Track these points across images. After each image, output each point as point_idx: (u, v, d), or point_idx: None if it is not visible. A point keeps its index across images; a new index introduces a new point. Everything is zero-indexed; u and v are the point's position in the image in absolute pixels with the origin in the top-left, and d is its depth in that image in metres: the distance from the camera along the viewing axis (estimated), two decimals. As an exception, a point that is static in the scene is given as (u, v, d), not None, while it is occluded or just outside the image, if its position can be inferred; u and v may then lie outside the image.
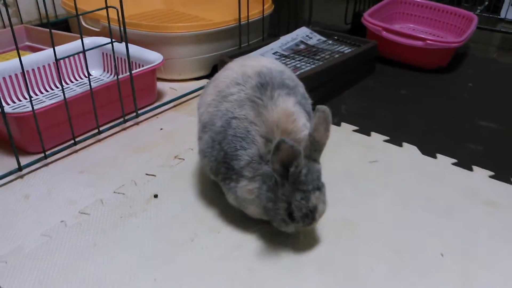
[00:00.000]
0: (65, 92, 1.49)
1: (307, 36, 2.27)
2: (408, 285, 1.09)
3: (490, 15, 3.01)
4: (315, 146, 1.07)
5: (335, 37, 2.31)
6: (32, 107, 1.41)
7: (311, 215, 1.06)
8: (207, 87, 1.30)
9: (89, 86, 1.54)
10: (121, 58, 1.91)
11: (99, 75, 2.05)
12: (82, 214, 1.29)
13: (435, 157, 1.59)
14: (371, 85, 2.14)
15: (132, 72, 1.66)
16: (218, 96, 1.19)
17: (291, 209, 1.06)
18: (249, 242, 1.19)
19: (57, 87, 1.90)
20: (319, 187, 1.07)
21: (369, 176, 1.47)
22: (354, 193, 1.39)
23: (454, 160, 1.57)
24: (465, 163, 1.55)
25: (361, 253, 1.18)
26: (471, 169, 1.53)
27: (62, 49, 1.81)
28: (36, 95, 1.85)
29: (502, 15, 3.06)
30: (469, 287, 1.08)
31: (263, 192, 1.09)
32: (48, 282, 1.08)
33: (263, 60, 1.28)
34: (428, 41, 2.18)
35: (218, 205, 1.31)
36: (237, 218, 1.26)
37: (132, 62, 1.84)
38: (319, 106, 1.08)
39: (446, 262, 1.16)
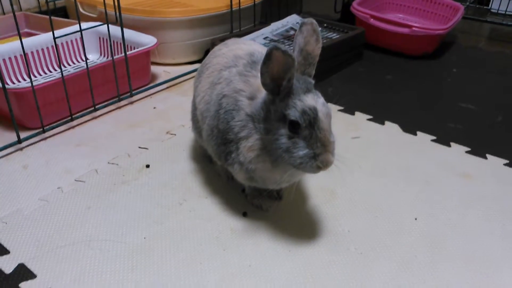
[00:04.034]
0: (63, 73, 1.56)
1: (297, 23, 2.35)
2: (382, 245, 1.16)
3: (478, 6, 3.09)
4: (309, 60, 1.04)
5: (324, 24, 2.39)
6: (31, 83, 1.49)
7: (313, 115, 0.97)
8: (201, 73, 1.32)
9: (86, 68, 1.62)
10: (117, 42, 1.99)
11: (96, 59, 2.13)
12: (78, 181, 1.36)
13: (415, 134, 1.66)
14: (358, 70, 2.22)
15: (127, 53, 1.73)
16: (211, 85, 1.22)
17: (288, 117, 0.99)
18: (234, 207, 1.27)
19: (55, 70, 1.98)
20: (312, 90, 1.02)
21: (351, 150, 1.55)
22: (335, 165, 1.46)
23: (433, 137, 1.65)
24: (443, 139, 1.63)
25: (338, 217, 1.25)
26: (449, 145, 1.60)
27: (61, 33, 1.88)
28: (35, 76, 1.93)
29: (493, 6, 3.15)
30: (438, 247, 1.16)
31: (262, 139, 1.06)
32: (45, 240, 1.16)
33: (254, 44, 1.33)
34: (414, 28, 2.26)
35: (206, 175, 1.39)
36: (223, 186, 1.34)
37: (127, 45, 1.91)
38: (304, 20, 1.05)
39: (418, 225, 1.23)
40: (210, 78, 1.23)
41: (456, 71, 2.25)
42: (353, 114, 1.78)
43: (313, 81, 1.05)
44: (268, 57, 0.95)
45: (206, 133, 1.21)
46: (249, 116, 1.09)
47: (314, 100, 1.00)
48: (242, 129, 1.10)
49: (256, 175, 1.13)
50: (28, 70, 1.50)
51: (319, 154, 0.99)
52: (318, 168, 1.00)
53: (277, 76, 0.98)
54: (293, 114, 0.98)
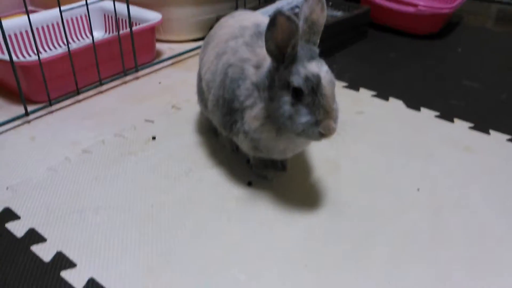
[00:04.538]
0: (69, 46, 1.57)
1: (302, 0, 2.34)
2: (383, 216, 1.18)
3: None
4: (313, 29, 1.04)
5: (330, 3, 2.38)
6: (38, 56, 1.50)
7: (316, 81, 0.98)
8: (207, 45, 1.33)
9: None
10: (122, 19, 1.99)
11: (101, 36, 2.13)
12: (85, 152, 1.38)
13: (419, 110, 1.67)
14: (362, 48, 2.22)
15: (132, 28, 1.74)
16: (217, 55, 1.23)
17: (291, 84, 1.00)
18: (239, 177, 1.29)
19: (60, 46, 1.98)
20: (316, 58, 1.02)
21: (355, 125, 1.56)
22: (339, 139, 1.47)
23: (437, 113, 1.65)
24: (447, 115, 1.64)
25: (341, 188, 1.27)
26: (452, 121, 1.61)
27: (67, 8, 1.90)
28: (40, 52, 1.93)
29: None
30: (440, 219, 1.18)
31: (266, 108, 1.07)
32: (54, 208, 1.18)
33: (260, 16, 1.33)
34: (419, 7, 2.25)
35: (211, 147, 1.41)
36: (228, 157, 1.36)
37: (132, 22, 1.92)
38: None
39: (420, 198, 1.25)
40: (216, 49, 1.24)
41: (461, 51, 2.24)
42: (357, 90, 1.79)
43: (317, 49, 1.06)
44: (272, 22, 0.95)
45: (212, 104, 1.22)
46: (255, 85, 1.09)
47: (317, 67, 0.99)
48: (247, 98, 1.10)
49: (261, 145, 1.14)
50: (35, 43, 1.51)
51: (322, 121, 0.99)
52: (321, 135, 1.01)
53: (281, 42, 0.98)
54: (296, 81, 0.99)
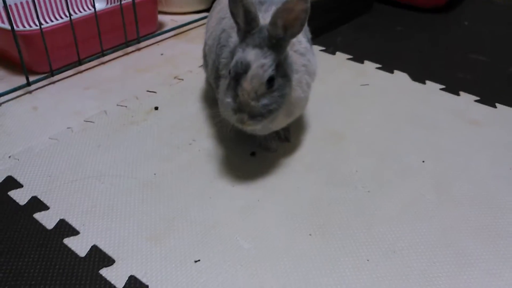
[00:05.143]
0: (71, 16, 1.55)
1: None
2: (389, 185, 1.17)
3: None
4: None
5: (334, -25, 2.34)
6: (40, 26, 1.48)
7: (242, 70, 0.97)
8: (213, 9, 1.33)
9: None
10: (123, -10, 1.96)
11: (103, 6, 2.10)
12: (87, 122, 1.37)
13: (424, 83, 1.65)
14: (367, 21, 2.19)
15: (134, -1, 1.72)
16: (219, 20, 1.22)
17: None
18: (243, 147, 1.28)
19: (62, 17, 1.96)
20: (263, 48, 0.99)
21: (360, 96, 1.54)
22: (343, 110, 1.47)
23: (442, 86, 1.64)
24: (452, 88, 1.62)
25: (346, 158, 1.26)
26: (458, 94, 1.59)
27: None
28: (42, 24, 1.91)
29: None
30: (445, 188, 1.17)
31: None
32: (57, 175, 1.18)
33: None
34: (426, -21, 2.22)
35: (215, 117, 1.40)
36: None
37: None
38: None
39: (426, 167, 1.24)
40: (219, 14, 1.23)
41: (467, 24, 2.21)
42: (362, 62, 1.77)
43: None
44: None
45: (209, 68, 1.23)
46: (231, 54, 1.07)
47: (253, 56, 0.97)
48: (223, 67, 1.10)
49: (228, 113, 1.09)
50: (37, 13, 1.49)
51: (238, 110, 0.99)
52: (237, 122, 1.01)
53: (235, 13, 0.99)
54: (233, 61, 0.99)
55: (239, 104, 0.98)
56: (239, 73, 0.97)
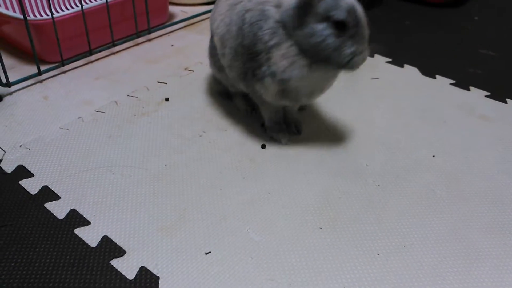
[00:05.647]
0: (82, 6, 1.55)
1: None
2: (399, 179, 1.17)
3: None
4: None
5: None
6: (52, 15, 1.48)
7: (357, 14, 1.04)
8: (218, 1, 1.31)
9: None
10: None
11: (113, -2, 2.10)
12: (98, 112, 1.38)
13: (434, 77, 1.65)
14: (377, 15, 2.18)
15: (145, -12, 1.71)
16: (231, 6, 1.21)
17: (333, 18, 1.03)
18: (253, 139, 1.28)
19: (73, 7, 1.95)
20: None
21: (370, 90, 1.54)
22: (354, 104, 1.47)
23: (453, 81, 1.63)
24: (463, 83, 1.62)
25: (356, 151, 1.26)
26: (468, 89, 1.59)
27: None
28: (53, 13, 1.90)
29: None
30: (455, 184, 1.17)
31: (298, 44, 1.07)
32: (68, 165, 1.18)
33: None
34: (437, -27, 2.20)
35: (225, 109, 1.40)
36: (242, 119, 1.35)
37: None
38: None
39: (436, 162, 1.24)
40: (229, 1, 1.22)
41: (477, 19, 2.20)
42: (372, 56, 1.76)
43: None
44: None
45: (229, 56, 1.19)
46: (279, 23, 1.08)
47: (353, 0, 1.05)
48: (272, 37, 1.09)
49: (290, 86, 1.12)
50: (49, 2, 1.49)
51: (362, 51, 1.06)
52: (358, 65, 1.08)
53: None
54: (339, 14, 1.02)
55: (364, 44, 1.07)
56: (355, 19, 1.03)
